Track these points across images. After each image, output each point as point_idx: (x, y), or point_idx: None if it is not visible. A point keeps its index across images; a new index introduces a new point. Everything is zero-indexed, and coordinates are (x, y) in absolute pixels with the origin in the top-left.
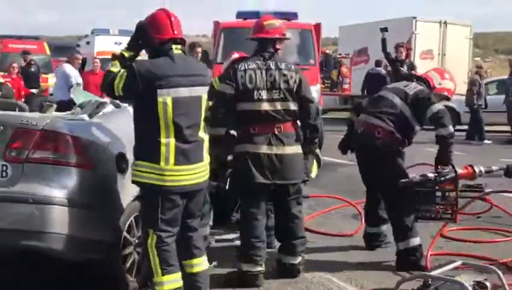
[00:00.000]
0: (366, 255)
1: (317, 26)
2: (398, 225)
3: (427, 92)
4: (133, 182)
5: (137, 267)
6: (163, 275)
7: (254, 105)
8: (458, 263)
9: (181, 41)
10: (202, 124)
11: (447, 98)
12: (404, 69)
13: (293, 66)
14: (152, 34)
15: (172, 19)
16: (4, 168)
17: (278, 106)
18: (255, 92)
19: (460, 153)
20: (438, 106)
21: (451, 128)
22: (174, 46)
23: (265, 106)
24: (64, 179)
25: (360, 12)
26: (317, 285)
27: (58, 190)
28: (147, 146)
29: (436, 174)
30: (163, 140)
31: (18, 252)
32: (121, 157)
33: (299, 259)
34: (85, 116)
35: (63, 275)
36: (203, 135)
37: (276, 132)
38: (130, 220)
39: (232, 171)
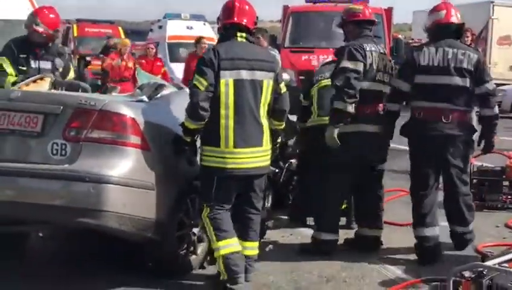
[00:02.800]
0: None
1: (389, 11)
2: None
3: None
4: (201, 165)
5: (192, 248)
6: (218, 240)
7: (373, 85)
8: None
9: (246, 28)
10: (264, 109)
11: None
12: None
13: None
14: (221, 19)
15: (237, 5)
16: (63, 146)
17: (385, 88)
18: (378, 73)
19: None
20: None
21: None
22: (239, 34)
23: (380, 87)
24: (120, 159)
25: None
26: (372, 271)
27: (115, 170)
28: (210, 130)
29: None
30: (222, 123)
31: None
32: (178, 139)
33: (380, 231)
34: (144, 98)
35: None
36: (264, 121)
37: (380, 111)
38: (185, 201)
39: (341, 147)
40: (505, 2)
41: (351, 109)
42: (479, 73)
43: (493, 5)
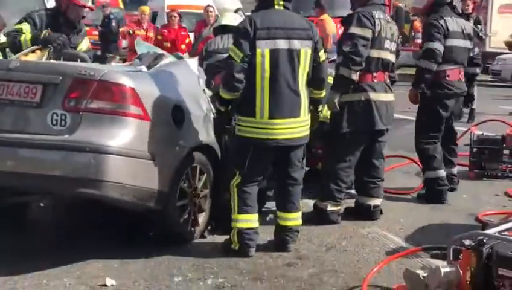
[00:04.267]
0: (423, 212)
1: None
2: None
3: None
4: (236, 135)
5: (193, 217)
6: (239, 213)
7: (381, 53)
8: None
9: None
10: (302, 78)
11: None
12: (471, 22)
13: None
14: None
15: None
16: (63, 117)
17: (391, 57)
18: (386, 41)
19: None
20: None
21: None
22: (276, 1)
23: (387, 55)
24: (120, 129)
25: None
26: (372, 240)
27: (115, 140)
28: (245, 100)
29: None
30: (258, 93)
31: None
32: (177, 109)
33: (380, 201)
34: (143, 68)
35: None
36: (302, 91)
37: (386, 80)
38: (186, 171)
39: (348, 117)
40: None
41: (355, 76)
42: (473, 38)
43: None
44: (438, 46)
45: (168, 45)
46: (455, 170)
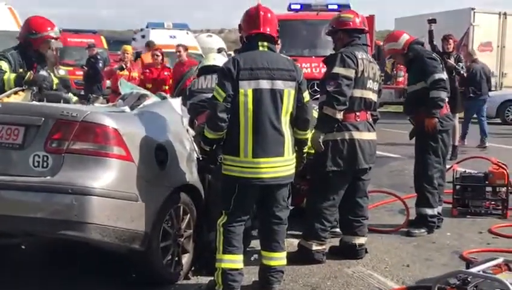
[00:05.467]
0: (408, 251)
1: (370, 19)
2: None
3: None
4: (222, 174)
5: (177, 259)
6: (224, 253)
7: (363, 93)
8: (499, 260)
9: (270, 37)
10: (285, 118)
11: None
12: (452, 61)
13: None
14: (244, 29)
15: (262, 13)
16: (45, 158)
17: (374, 96)
18: (368, 80)
19: None
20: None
21: None
22: (260, 43)
23: (369, 95)
24: (103, 170)
25: (417, 4)
26: (357, 280)
27: (97, 181)
28: (229, 139)
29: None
30: (242, 132)
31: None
32: (160, 149)
33: (365, 239)
34: (126, 108)
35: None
36: (286, 130)
37: (368, 119)
38: (169, 211)
39: (332, 156)
40: (485, 9)
41: (339, 116)
42: None
43: (474, 12)
44: (444, 76)
45: (150, 86)
46: (440, 208)
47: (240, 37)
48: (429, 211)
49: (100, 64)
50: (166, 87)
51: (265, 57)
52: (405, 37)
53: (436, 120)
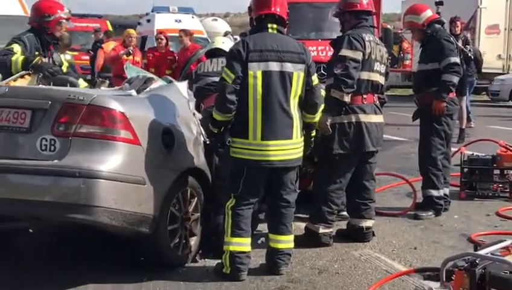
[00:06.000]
0: (416, 234)
1: (377, 1)
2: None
3: None
4: (231, 156)
5: (184, 242)
6: (232, 236)
7: (370, 75)
8: (508, 243)
9: (280, 18)
10: (294, 101)
11: None
12: (459, 43)
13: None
14: (254, 9)
15: None
16: (52, 142)
17: (381, 79)
18: (375, 63)
19: None
20: None
21: None
22: (269, 25)
23: (377, 77)
24: (110, 153)
25: None
26: (364, 262)
27: (105, 164)
28: (238, 122)
29: None
30: (251, 115)
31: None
32: (167, 133)
33: (372, 222)
34: (132, 92)
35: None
36: (295, 113)
37: (375, 102)
38: (176, 195)
39: (338, 139)
40: None
41: (347, 98)
42: None
43: None
44: (458, 61)
45: (153, 70)
46: (447, 190)
47: (250, 19)
48: (435, 193)
49: None
50: (170, 72)
51: (275, 39)
52: (427, 13)
53: (444, 104)
